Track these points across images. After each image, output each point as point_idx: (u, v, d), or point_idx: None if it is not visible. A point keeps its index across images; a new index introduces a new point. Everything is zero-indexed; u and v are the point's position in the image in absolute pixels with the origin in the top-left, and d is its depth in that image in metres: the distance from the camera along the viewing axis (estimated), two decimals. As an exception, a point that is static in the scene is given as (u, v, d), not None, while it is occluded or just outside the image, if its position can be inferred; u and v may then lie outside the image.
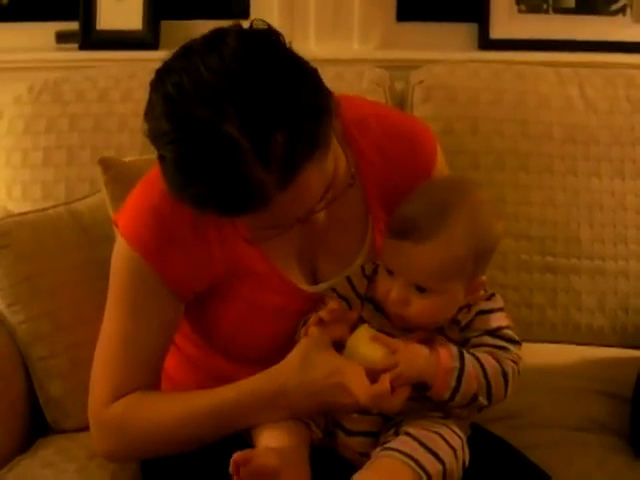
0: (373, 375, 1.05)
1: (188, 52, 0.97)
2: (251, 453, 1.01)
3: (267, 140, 0.93)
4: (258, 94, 0.93)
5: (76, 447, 1.34)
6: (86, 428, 1.37)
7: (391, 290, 1.09)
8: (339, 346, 1.09)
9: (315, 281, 1.20)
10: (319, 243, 1.20)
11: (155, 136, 0.98)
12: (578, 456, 1.36)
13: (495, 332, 1.10)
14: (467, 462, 1.07)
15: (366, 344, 1.07)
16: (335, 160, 1.06)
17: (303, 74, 0.97)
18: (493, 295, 1.14)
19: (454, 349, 1.07)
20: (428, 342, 1.10)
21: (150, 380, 1.17)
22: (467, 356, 1.06)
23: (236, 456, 1.00)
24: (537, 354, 1.58)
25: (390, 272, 1.10)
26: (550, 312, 1.67)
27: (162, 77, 0.97)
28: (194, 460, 1.13)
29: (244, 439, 1.11)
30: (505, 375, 1.07)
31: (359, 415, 1.10)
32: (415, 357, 1.05)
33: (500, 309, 1.13)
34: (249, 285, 1.16)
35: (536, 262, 1.66)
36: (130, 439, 1.15)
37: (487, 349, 1.09)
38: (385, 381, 1.03)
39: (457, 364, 1.05)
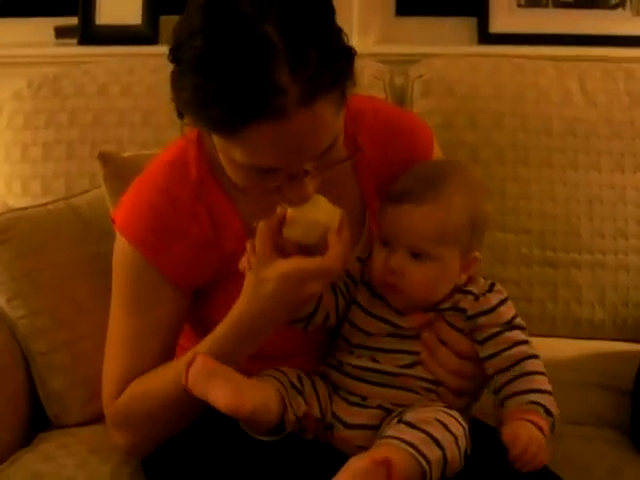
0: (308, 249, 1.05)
1: None
2: (203, 355, 1.05)
3: (302, 51, 0.93)
4: (304, 12, 0.94)
5: (77, 442, 1.34)
6: (87, 423, 1.39)
7: (386, 260, 1.10)
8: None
9: None
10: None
11: (183, 33, 0.96)
12: (578, 450, 1.36)
13: (511, 323, 1.11)
14: (469, 451, 1.07)
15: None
16: (339, 129, 1.04)
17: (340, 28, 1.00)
18: (494, 285, 1.15)
19: (540, 410, 1.05)
20: (430, 327, 1.11)
21: None
22: (545, 400, 1.06)
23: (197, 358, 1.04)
24: (537, 348, 1.56)
25: (385, 243, 1.11)
26: (550, 306, 1.67)
27: None
28: (194, 454, 1.13)
29: (243, 431, 1.10)
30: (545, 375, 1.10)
31: (358, 408, 1.11)
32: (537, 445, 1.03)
33: (506, 298, 1.14)
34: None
35: (536, 256, 1.67)
36: (135, 429, 1.17)
37: (519, 349, 1.10)
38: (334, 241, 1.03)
39: (550, 421, 1.06)
